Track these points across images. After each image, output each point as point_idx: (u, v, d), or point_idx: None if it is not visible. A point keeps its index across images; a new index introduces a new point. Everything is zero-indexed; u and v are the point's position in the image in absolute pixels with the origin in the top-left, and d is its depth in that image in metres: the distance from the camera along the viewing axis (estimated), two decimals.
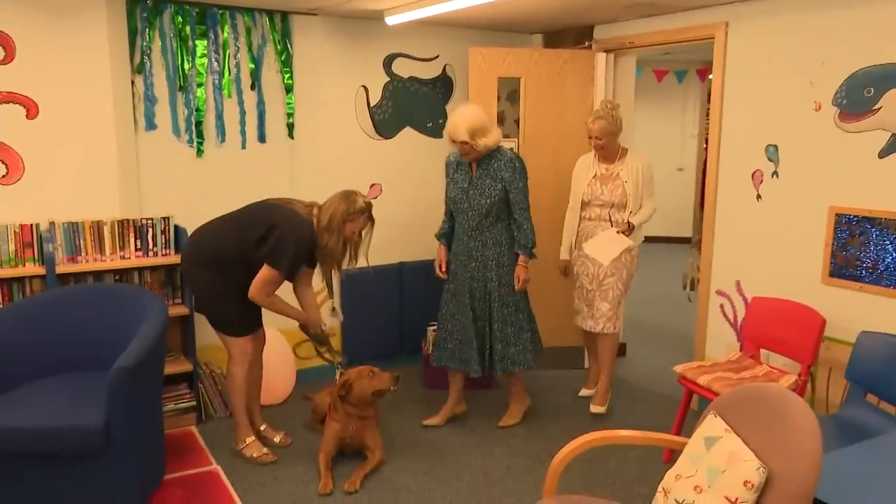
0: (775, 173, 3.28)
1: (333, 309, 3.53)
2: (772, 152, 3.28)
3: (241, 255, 2.93)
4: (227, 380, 3.20)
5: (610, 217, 3.50)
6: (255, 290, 2.91)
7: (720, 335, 3.61)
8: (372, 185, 4.24)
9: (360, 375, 3.02)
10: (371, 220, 2.99)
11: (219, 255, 2.95)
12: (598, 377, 3.75)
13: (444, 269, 3.38)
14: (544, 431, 3.50)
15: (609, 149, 3.48)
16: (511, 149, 3.32)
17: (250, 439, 3.18)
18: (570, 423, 3.60)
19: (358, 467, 3.02)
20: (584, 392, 3.86)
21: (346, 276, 3.92)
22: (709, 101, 3.86)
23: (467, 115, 3.09)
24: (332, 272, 3.04)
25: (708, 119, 3.89)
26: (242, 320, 3.06)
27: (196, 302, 3.08)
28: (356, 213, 2.93)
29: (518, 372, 3.40)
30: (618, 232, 3.46)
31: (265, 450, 3.18)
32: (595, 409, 3.65)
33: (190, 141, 3.66)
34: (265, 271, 2.88)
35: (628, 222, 3.47)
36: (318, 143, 4.01)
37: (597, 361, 3.75)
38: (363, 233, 3.00)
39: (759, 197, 3.36)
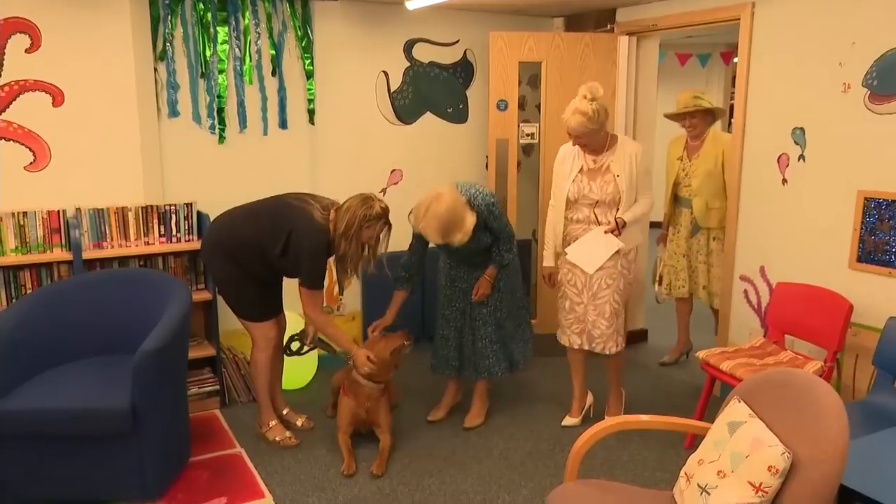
0: (802, 157, 3.20)
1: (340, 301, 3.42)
2: (798, 135, 3.21)
3: (258, 252, 2.92)
4: (250, 365, 3.20)
5: (598, 218, 3.03)
6: (308, 311, 2.91)
7: (744, 321, 3.56)
8: (393, 171, 4.23)
9: (372, 342, 3.03)
10: (388, 224, 2.91)
11: (236, 247, 2.94)
12: (583, 400, 3.35)
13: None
14: (566, 411, 3.48)
15: (595, 143, 2.99)
16: (474, 193, 2.97)
17: (273, 423, 3.20)
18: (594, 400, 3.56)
19: (378, 453, 3.03)
20: (567, 421, 3.31)
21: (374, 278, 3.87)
22: (733, 85, 3.82)
23: (439, 214, 2.79)
24: (347, 275, 2.98)
25: (732, 102, 3.79)
26: (261, 306, 3.06)
27: (218, 288, 3.10)
28: (373, 218, 2.85)
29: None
30: (606, 231, 2.99)
31: (288, 433, 3.19)
32: (568, 421, 3.32)
33: (212, 128, 3.68)
34: (301, 292, 2.88)
35: (617, 220, 2.98)
36: (338, 128, 4.01)
37: (581, 383, 3.31)
38: (381, 236, 2.93)
39: (784, 181, 3.29)
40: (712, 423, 2.01)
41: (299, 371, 3.78)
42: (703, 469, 1.88)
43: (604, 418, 3.28)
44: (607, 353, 3.15)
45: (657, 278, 4.03)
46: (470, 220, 2.89)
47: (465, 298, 3.24)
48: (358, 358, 3.00)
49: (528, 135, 4.26)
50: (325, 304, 3.61)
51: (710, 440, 1.93)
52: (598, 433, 2.13)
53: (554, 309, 4.20)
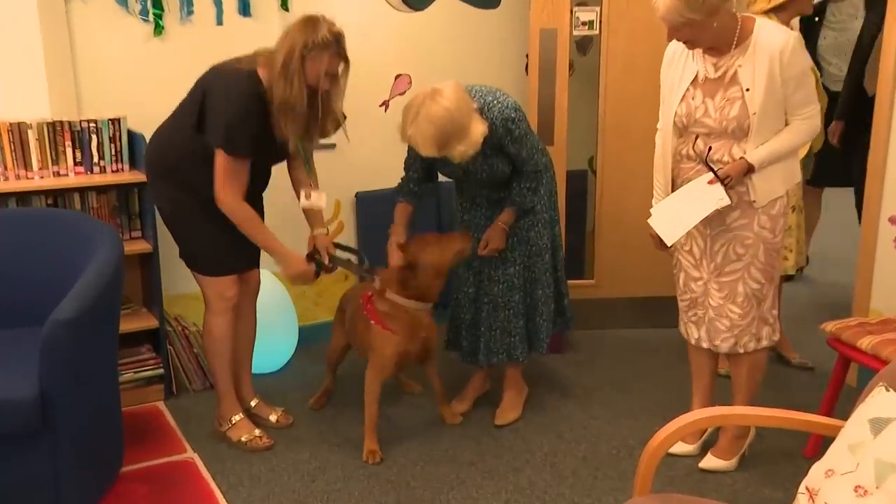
0: None
1: (353, 252, 3.43)
2: None
3: (193, 152, 2.92)
4: (203, 337, 3.24)
5: (713, 170, 2.74)
6: (218, 191, 2.89)
7: (892, 280, 3.47)
8: (398, 77, 4.20)
9: (424, 246, 3.06)
10: (344, 58, 2.92)
11: (173, 160, 2.98)
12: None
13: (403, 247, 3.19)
14: (634, 407, 3.53)
15: (705, 41, 2.68)
16: (491, 99, 3.00)
17: (237, 418, 3.22)
18: (670, 395, 3.60)
19: (440, 402, 3.34)
20: (679, 448, 3.11)
21: (372, 197, 3.97)
22: None
23: (433, 117, 2.81)
24: (305, 141, 3.00)
25: None
26: (219, 251, 3.05)
27: (169, 229, 3.12)
28: (319, 46, 2.83)
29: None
30: (710, 182, 2.74)
31: (257, 432, 3.21)
32: (713, 463, 3.07)
33: (144, 13, 3.60)
34: (216, 159, 2.87)
35: (738, 162, 2.71)
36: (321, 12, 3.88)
37: (703, 395, 3.14)
38: (338, 76, 2.94)
39: None
40: (845, 420, 2.00)
41: (272, 348, 3.80)
42: (834, 483, 1.86)
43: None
44: (740, 350, 2.95)
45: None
46: (477, 128, 2.90)
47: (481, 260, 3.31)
48: (290, 263, 3.05)
49: (584, 23, 4.17)
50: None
51: (844, 444, 1.90)
52: (680, 430, 2.10)
53: (617, 267, 4.20)
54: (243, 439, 3.17)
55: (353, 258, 3.32)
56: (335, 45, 2.87)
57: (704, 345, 3.00)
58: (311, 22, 2.86)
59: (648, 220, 2.92)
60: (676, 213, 2.82)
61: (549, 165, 3.28)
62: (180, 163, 2.96)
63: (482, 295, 3.34)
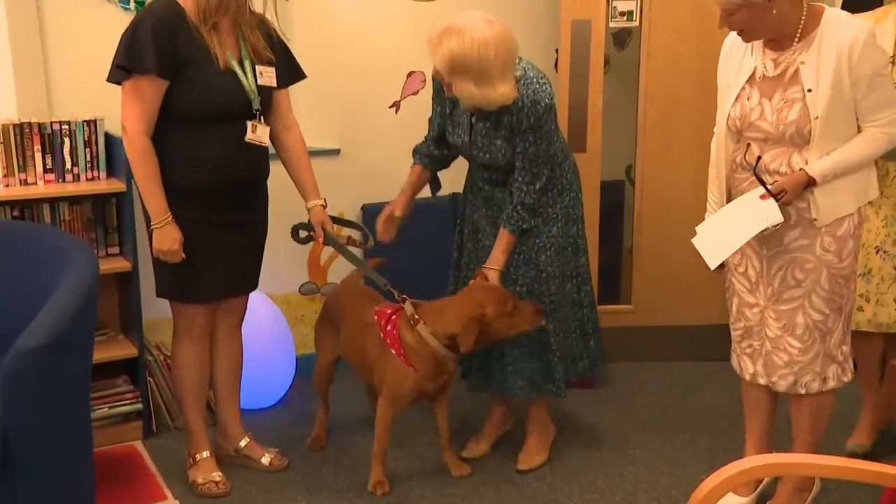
0: None
1: (355, 226, 3.49)
2: None
3: (159, 136, 2.90)
4: (171, 365, 3.29)
5: (763, 182, 2.68)
6: (122, 119, 2.89)
7: None
8: (410, 74, 4.23)
9: (501, 308, 3.01)
10: None
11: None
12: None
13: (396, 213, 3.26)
14: (678, 452, 3.51)
15: (763, 29, 2.63)
16: (534, 77, 3.02)
17: (201, 456, 3.23)
18: (719, 438, 3.57)
19: (443, 448, 3.27)
20: (730, 501, 3.01)
21: (377, 210, 3.99)
22: None
23: (468, 37, 2.81)
24: (250, 62, 2.96)
25: None
26: (189, 272, 3.02)
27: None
28: None
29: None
30: (762, 197, 2.67)
31: (215, 475, 3.21)
32: None
33: (125, 1, 3.63)
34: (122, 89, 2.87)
35: (797, 175, 2.64)
36: (326, 6, 4.02)
37: (758, 438, 3.08)
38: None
39: None
40: None
41: (266, 380, 3.79)
42: None
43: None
44: (801, 391, 2.87)
45: None
46: (504, 85, 2.89)
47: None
48: (163, 234, 2.94)
49: (623, 14, 4.15)
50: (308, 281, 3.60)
51: None
52: (731, 479, 2.02)
53: (659, 291, 4.14)
54: (198, 481, 3.17)
55: (356, 236, 3.34)
56: None
57: (761, 381, 2.92)
58: None
59: (693, 240, 2.85)
60: (723, 232, 2.76)
61: (571, 184, 3.23)
62: (163, 157, 2.92)
63: None
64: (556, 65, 4.27)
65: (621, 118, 4.34)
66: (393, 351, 3.06)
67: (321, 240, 3.21)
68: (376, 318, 3.14)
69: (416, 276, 3.61)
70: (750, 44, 2.75)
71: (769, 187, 2.66)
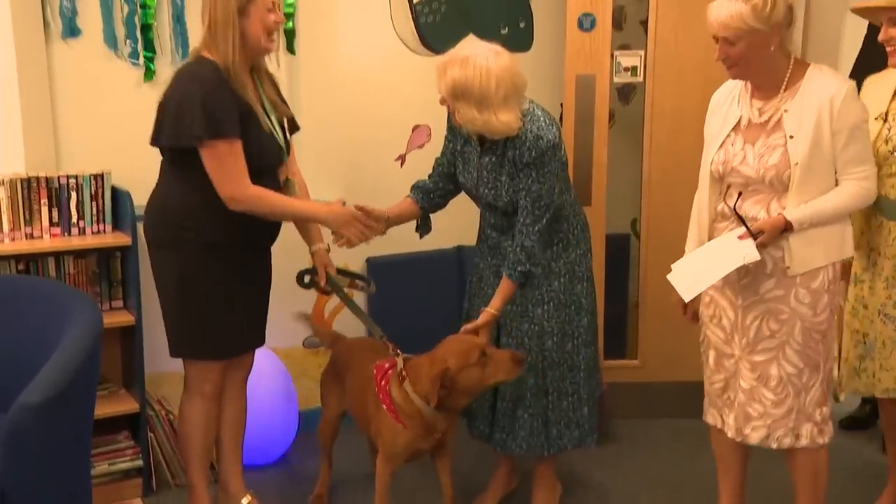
0: None
1: (358, 278, 3.47)
2: None
3: (199, 192, 2.89)
4: (178, 421, 3.25)
5: (742, 219, 2.75)
6: (222, 190, 2.87)
7: None
8: (416, 128, 4.23)
9: (463, 360, 2.94)
10: None
11: (178, 215, 2.96)
12: None
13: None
14: None
15: (755, 68, 2.73)
16: (541, 115, 3.05)
17: None
18: None
19: (446, 501, 3.16)
20: None
21: (386, 263, 4.06)
22: None
23: (472, 64, 2.88)
24: (276, 95, 3.06)
25: None
26: (221, 328, 3.04)
27: (162, 307, 3.10)
28: None
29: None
30: (740, 237, 2.72)
31: None
32: None
33: (134, 55, 3.65)
34: (204, 159, 2.85)
35: (775, 219, 2.69)
36: (331, 60, 4.02)
37: (732, 496, 3.12)
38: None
39: None
40: None
41: (268, 436, 3.77)
42: None
43: None
44: (773, 444, 2.87)
45: (836, 356, 3.42)
46: (506, 113, 2.92)
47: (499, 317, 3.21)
48: (337, 216, 3.05)
49: (627, 69, 4.19)
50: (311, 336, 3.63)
51: None
52: None
53: (666, 346, 4.12)
54: None
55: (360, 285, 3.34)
56: None
57: (730, 434, 2.93)
58: None
59: (668, 276, 2.91)
60: (698, 269, 2.81)
61: (578, 241, 3.22)
62: (191, 211, 2.93)
63: None
64: (561, 118, 4.23)
65: (626, 172, 4.35)
66: (384, 406, 3.03)
67: (323, 282, 3.20)
68: (375, 372, 3.11)
69: (419, 327, 3.60)
70: (737, 95, 2.85)
71: (749, 227, 2.70)
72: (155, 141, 2.93)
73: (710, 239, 2.90)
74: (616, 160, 4.23)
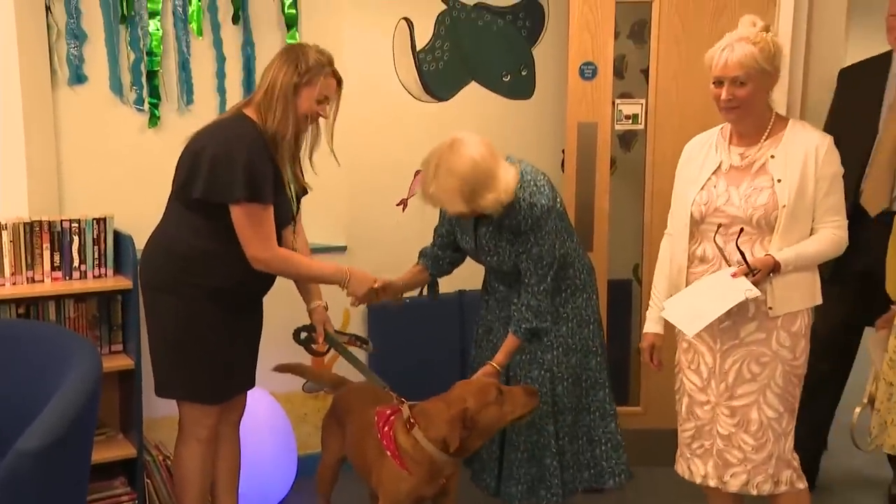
0: None
1: (356, 339, 3.45)
2: None
3: (202, 235, 2.93)
4: (173, 466, 3.23)
5: (732, 256, 2.81)
6: (250, 250, 2.91)
7: None
8: (418, 173, 4.13)
9: (482, 399, 2.95)
10: (338, 78, 2.99)
11: (180, 258, 2.96)
12: None
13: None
14: None
15: (753, 112, 2.83)
16: (531, 179, 3.08)
17: None
18: None
19: None
20: None
21: (386, 310, 4.03)
22: None
23: (456, 169, 2.90)
24: (298, 169, 3.09)
25: None
26: (217, 372, 3.04)
27: (153, 349, 3.11)
28: (310, 71, 2.90)
29: None
30: (734, 275, 2.76)
31: None
32: None
33: (139, 101, 3.68)
34: (236, 218, 2.89)
35: (765, 259, 2.75)
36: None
37: None
38: (331, 98, 3.01)
39: None
40: None
41: (266, 481, 3.74)
42: None
43: None
44: (753, 491, 2.91)
45: (866, 403, 3.37)
46: (507, 174, 2.95)
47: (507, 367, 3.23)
48: (355, 279, 3.10)
49: (628, 117, 4.23)
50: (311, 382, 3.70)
51: None
52: None
53: (669, 392, 4.08)
54: None
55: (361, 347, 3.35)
56: (329, 65, 2.95)
57: (711, 483, 2.95)
58: (294, 48, 2.97)
59: (662, 314, 2.97)
60: (695, 306, 2.84)
61: (585, 285, 3.26)
62: (196, 259, 2.95)
63: None
64: (562, 165, 4.30)
65: (628, 218, 4.34)
66: (388, 453, 3.01)
67: (321, 339, 3.21)
68: (376, 418, 3.10)
69: (420, 372, 3.61)
70: (713, 143, 2.96)
71: (757, 266, 2.74)
72: (182, 189, 2.92)
73: (686, 285, 2.94)
74: (618, 206, 4.24)
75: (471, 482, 3.40)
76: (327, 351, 3.27)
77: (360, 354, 3.45)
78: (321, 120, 3.03)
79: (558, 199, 3.10)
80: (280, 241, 3.00)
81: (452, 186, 2.90)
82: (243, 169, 2.80)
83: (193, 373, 3.01)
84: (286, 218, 3.04)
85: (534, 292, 3.08)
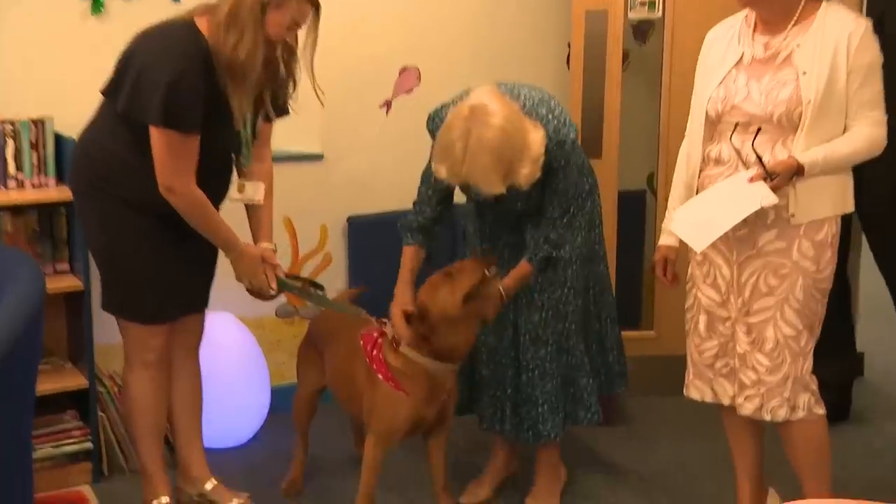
0: None
1: (310, 283, 3.42)
2: None
3: (128, 146, 2.90)
4: (121, 398, 3.32)
5: (759, 157, 2.76)
6: (162, 178, 2.88)
7: None
8: (403, 70, 4.23)
9: (432, 289, 3.02)
10: (315, 4, 2.92)
11: (102, 165, 2.96)
12: None
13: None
14: (707, 497, 3.48)
15: None
16: (551, 112, 3.04)
17: (159, 502, 3.18)
18: None
19: (438, 493, 3.17)
20: None
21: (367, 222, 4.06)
22: None
23: (489, 143, 2.80)
24: (252, 113, 3.01)
25: None
26: (151, 287, 3.03)
27: (93, 254, 3.14)
28: None
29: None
30: (751, 179, 2.75)
31: None
32: None
33: None
34: (154, 140, 2.85)
35: (787, 160, 2.72)
36: None
37: (750, 474, 3.14)
38: (308, 27, 2.96)
39: None
40: None
41: (237, 416, 3.80)
42: None
43: None
44: (766, 416, 2.90)
45: None
46: (535, 138, 2.90)
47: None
48: (246, 264, 3.06)
49: (643, 3, 4.18)
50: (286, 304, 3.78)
51: None
52: None
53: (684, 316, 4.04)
54: None
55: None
56: None
57: (725, 402, 2.99)
58: None
59: (670, 226, 2.98)
60: (707, 215, 2.84)
61: (593, 188, 3.28)
62: (112, 166, 2.94)
63: (500, 348, 3.33)
64: (567, 61, 4.28)
65: (642, 120, 4.37)
66: (380, 377, 3.02)
67: (274, 284, 3.15)
68: (363, 342, 3.10)
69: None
70: (737, 32, 2.90)
71: (777, 168, 2.71)
72: (107, 96, 2.91)
73: (699, 189, 2.94)
74: (630, 107, 4.25)
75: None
76: (276, 295, 3.22)
77: (335, 282, 3.40)
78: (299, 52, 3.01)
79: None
80: (223, 176, 3.06)
81: (487, 164, 2.82)
82: (164, 92, 2.77)
83: (126, 286, 3.02)
84: (225, 151, 3.02)
85: (555, 225, 3.11)
